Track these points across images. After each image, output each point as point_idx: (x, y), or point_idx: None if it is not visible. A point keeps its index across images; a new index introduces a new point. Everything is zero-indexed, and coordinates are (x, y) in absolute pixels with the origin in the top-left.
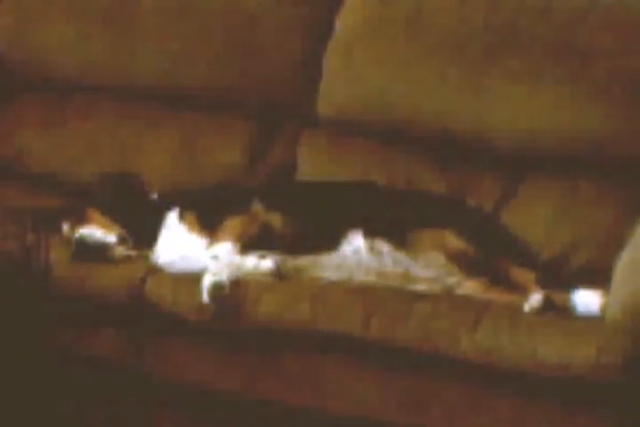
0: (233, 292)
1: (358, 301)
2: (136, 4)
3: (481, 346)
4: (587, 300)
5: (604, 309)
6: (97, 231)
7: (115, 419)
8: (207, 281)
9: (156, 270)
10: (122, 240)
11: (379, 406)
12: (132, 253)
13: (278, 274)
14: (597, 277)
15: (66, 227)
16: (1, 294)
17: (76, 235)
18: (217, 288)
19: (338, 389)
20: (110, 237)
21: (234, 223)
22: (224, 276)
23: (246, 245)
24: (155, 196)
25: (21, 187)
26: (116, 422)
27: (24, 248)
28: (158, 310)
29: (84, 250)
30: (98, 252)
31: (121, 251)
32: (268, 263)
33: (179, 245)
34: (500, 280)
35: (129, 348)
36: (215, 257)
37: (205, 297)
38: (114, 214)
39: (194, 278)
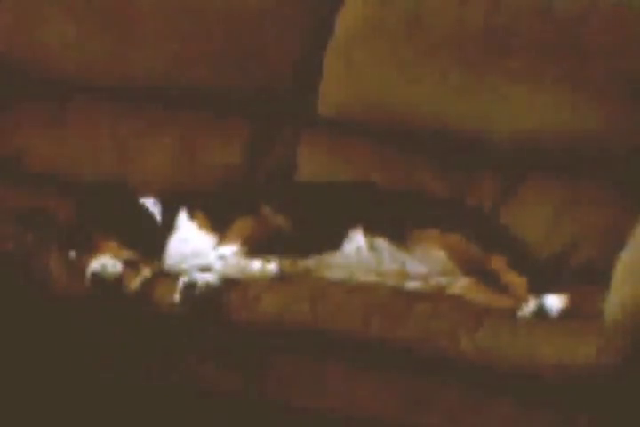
0: (211, 295)
1: (358, 301)
2: (136, 4)
3: (481, 346)
4: (551, 303)
5: (563, 312)
6: (108, 262)
7: (115, 420)
8: (181, 280)
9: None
10: (131, 264)
11: (379, 406)
12: (144, 271)
13: (282, 278)
14: (597, 277)
15: (72, 254)
16: (0, 294)
17: (89, 271)
18: (188, 289)
19: (338, 389)
20: (118, 265)
21: (243, 225)
22: (198, 278)
23: (253, 248)
24: (150, 199)
25: (21, 187)
26: (116, 423)
27: (24, 249)
28: (158, 310)
29: (101, 287)
30: (114, 286)
31: (134, 278)
32: (273, 267)
33: (189, 242)
34: (491, 282)
35: (129, 347)
36: (222, 257)
37: (176, 296)
38: (119, 233)
39: None
